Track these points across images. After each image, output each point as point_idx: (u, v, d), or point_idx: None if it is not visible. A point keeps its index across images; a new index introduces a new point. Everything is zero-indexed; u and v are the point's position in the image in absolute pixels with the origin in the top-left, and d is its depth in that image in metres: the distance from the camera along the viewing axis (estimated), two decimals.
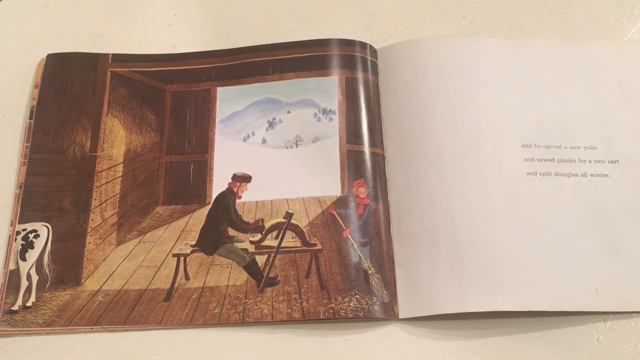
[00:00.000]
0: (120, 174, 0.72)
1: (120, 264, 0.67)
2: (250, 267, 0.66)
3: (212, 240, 0.68)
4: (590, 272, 0.63)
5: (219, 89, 0.76)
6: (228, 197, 0.70)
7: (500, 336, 0.62)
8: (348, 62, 0.75)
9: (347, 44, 0.76)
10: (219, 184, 0.71)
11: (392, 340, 0.62)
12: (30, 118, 0.73)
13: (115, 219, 0.70)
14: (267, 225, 0.68)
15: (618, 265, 0.63)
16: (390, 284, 0.64)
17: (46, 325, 0.63)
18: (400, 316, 0.63)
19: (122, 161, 0.72)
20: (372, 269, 0.65)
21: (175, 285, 0.65)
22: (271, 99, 0.74)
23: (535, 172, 0.68)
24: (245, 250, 0.67)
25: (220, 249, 0.68)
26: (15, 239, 0.67)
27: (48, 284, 0.65)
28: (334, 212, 0.68)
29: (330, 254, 0.66)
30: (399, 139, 0.71)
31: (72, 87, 0.75)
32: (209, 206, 0.70)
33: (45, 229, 0.68)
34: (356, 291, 0.63)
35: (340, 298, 0.63)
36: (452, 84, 0.72)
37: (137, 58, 0.77)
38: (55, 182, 0.70)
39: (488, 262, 0.63)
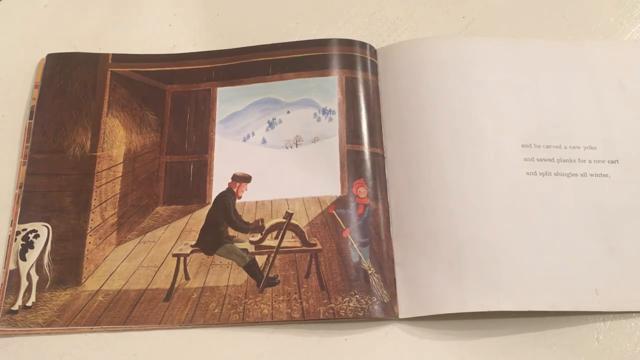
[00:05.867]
0: (120, 174, 0.72)
1: (120, 264, 0.67)
2: (250, 267, 0.66)
3: (212, 240, 0.68)
4: (590, 272, 0.63)
5: (219, 89, 0.76)
6: (228, 197, 0.70)
7: (500, 336, 0.62)
8: (348, 62, 0.75)
9: (347, 44, 0.76)
10: (219, 184, 0.71)
11: (392, 340, 0.62)
12: (30, 118, 0.73)
13: (115, 219, 0.70)
14: (267, 225, 0.68)
15: (618, 265, 0.63)
16: (390, 284, 0.64)
17: (46, 325, 0.63)
18: (400, 316, 0.63)
19: (122, 161, 0.72)
20: (372, 269, 0.65)
21: (175, 285, 0.65)
22: (271, 99, 0.74)
23: (535, 172, 0.68)
24: (245, 250, 0.67)
25: (220, 249, 0.68)
26: (15, 239, 0.67)
27: (48, 284, 0.65)
28: (334, 212, 0.68)
29: (330, 254, 0.66)
30: (398, 139, 0.71)
31: (72, 87, 0.75)
32: (209, 206, 0.70)
33: (45, 229, 0.68)
34: (356, 291, 0.63)
35: (340, 298, 0.63)
36: (452, 84, 0.72)
37: (137, 58, 0.77)
38: (55, 182, 0.70)
39: (488, 262, 0.63)
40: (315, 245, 0.67)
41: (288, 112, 0.74)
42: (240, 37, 0.79)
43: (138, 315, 0.63)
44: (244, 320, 0.63)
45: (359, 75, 0.74)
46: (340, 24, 0.80)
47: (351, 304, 0.63)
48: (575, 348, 0.61)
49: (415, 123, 0.71)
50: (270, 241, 0.68)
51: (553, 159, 0.68)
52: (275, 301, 0.64)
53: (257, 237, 0.68)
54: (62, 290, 0.65)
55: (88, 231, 0.68)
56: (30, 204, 0.69)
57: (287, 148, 0.72)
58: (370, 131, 0.71)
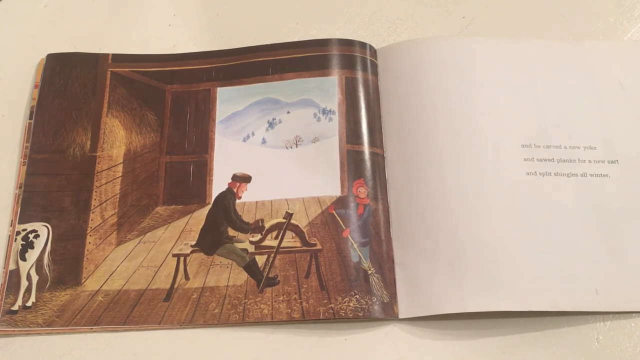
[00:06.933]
0: (120, 174, 0.72)
1: (120, 264, 0.67)
2: (250, 267, 0.66)
3: (212, 240, 0.68)
4: (590, 272, 0.63)
5: (219, 89, 0.76)
6: (228, 197, 0.70)
7: (500, 336, 0.62)
8: (348, 62, 0.75)
9: (347, 44, 0.76)
10: (219, 184, 0.71)
11: (392, 340, 0.62)
12: (30, 118, 0.73)
13: (115, 219, 0.70)
14: (267, 225, 0.68)
15: (618, 265, 0.63)
16: (390, 284, 0.64)
17: (46, 325, 0.63)
18: (400, 316, 0.63)
19: (122, 161, 0.72)
20: (372, 269, 0.65)
21: (175, 286, 0.65)
22: (271, 99, 0.74)
23: (535, 172, 0.68)
24: (245, 250, 0.67)
25: (220, 249, 0.68)
26: (15, 239, 0.67)
27: (48, 284, 0.65)
28: (334, 212, 0.68)
29: (330, 254, 0.66)
30: (398, 139, 0.71)
31: (72, 87, 0.75)
32: (209, 206, 0.70)
33: (45, 229, 0.68)
34: (356, 291, 0.63)
35: (340, 298, 0.63)
36: (452, 84, 0.72)
37: (137, 58, 0.78)
38: (55, 182, 0.70)
39: (488, 262, 0.63)
40: (315, 245, 0.67)
41: (288, 112, 0.74)
42: (240, 37, 0.79)
43: (138, 315, 0.63)
44: (244, 320, 0.63)
45: (359, 75, 0.74)
46: (340, 24, 0.80)
47: (351, 304, 0.63)
48: (575, 348, 0.61)
49: (415, 123, 0.71)
50: (270, 241, 0.68)
51: (553, 159, 0.68)
52: (275, 301, 0.64)
53: (257, 237, 0.68)
54: (62, 290, 0.65)
55: (88, 231, 0.68)
56: (30, 204, 0.69)
57: (287, 148, 0.72)
58: (370, 131, 0.71)
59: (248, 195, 0.70)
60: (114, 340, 0.63)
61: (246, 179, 0.71)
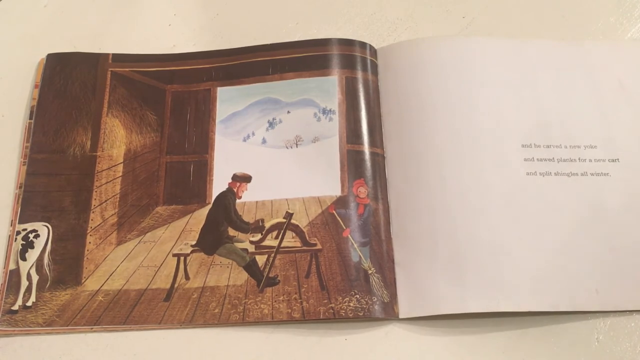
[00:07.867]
0: (120, 174, 0.72)
1: (120, 264, 0.67)
2: (250, 267, 0.66)
3: (212, 240, 0.68)
4: (590, 272, 0.63)
5: (219, 89, 0.76)
6: (228, 197, 0.70)
7: (500, 336, 0.62)
8: (348, 62, 0.75)
9: (347, 43, 0.76)
10: (219, 184, 0.71)
11: (392, 340, 0.62)
12: (30, 118, 0.73)
13: (115, 219, 0.70)
14: (267, 225, 0.68)
15: (618, 265, 0.63)
16: (390, 284, 0.64)
17: (46, 325, 0.63)
18: (400, 316, 0.63)
19: (122, 161, 0.73)
20: (372, 268, 0.65)
21: (176, 285, 0.65)
22: (271, 99, 0.74)
23: (535, 172, 0.68)
24: (245, 250, 0.67)
25: (220, 249, 0.68)
26: (15, 239, 0.67)
27: (48, 284, 0.65)
28: (334, 212, 0.68)
29: (330, 254, 0.66)
30: (398, 139, 0.71)
31: (72, 87, 0.75)
32: (209, 206, 0.70)
33: (45, 229, 0.68)
34: (356, 291, 0.63)
35: (340, 298, 0.63)
36: (452, 84, 0.72)
37: (137, 58, 0.78)
38: (55, 182, 0.70)
39: (488, 262, 0.63)
40: (315, 245, 0.67)
41: (288, 112, 0.74)
42: (240, 37, 0.79)
43: (138, 315, 0.63)
44: (244, 320, 0.63)
45: (359, 75, 0.74)
46: (340, 24, 0.80)
47: (351, 304, 0.63)
48: (575, 348, 0.61)
49: (415, 123, 0.71)
50: (270, 241, 0.68)
51: (553, 158, 0.68)
52: (275, 301, 0.64)
53: (257, 237, 0.68)
54: (62, 290, 0.65)
55: (88, 231, 0.68)
56: (31, 204, 0.69)
57: (287, 148, 0.72)
58: (370, 131, 0.71)
59: (248, 195, 0.70)
60: (114, 340, 0.63)
61: (246, 178, 0.71)
